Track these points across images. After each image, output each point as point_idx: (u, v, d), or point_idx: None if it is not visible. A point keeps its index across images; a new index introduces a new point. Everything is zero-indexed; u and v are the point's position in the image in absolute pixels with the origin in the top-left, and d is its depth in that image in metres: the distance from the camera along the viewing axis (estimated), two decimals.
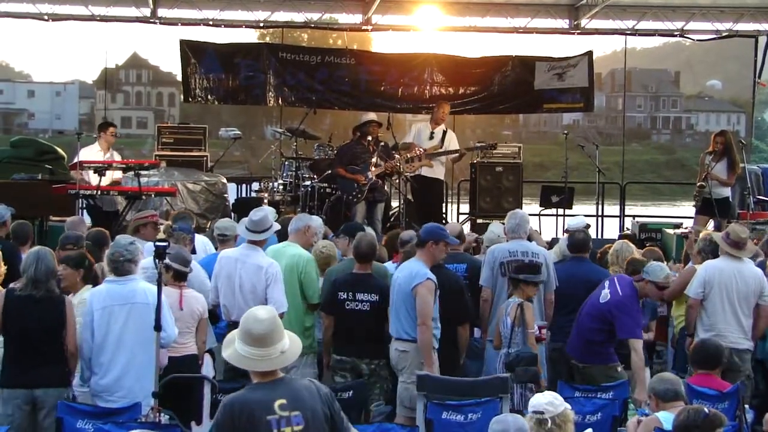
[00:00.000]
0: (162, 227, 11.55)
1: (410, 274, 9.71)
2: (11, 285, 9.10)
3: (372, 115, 16.87)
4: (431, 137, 17.30)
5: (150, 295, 8.27)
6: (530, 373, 9.60)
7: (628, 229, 18.46)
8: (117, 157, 16.54)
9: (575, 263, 11.19)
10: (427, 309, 9.53)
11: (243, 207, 16.21)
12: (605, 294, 10.24)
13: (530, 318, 9.79)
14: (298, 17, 21.41)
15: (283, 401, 5.89)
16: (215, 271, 10.10)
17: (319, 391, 6.08)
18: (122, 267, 8.60)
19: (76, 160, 15.24)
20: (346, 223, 12.83)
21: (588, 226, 13.02)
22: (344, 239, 11.34)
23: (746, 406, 9.20)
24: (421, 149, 16.82)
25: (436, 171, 17.31)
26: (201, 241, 11.73)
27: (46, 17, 20.49)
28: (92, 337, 8.55)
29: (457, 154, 17.58)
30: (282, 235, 11.14)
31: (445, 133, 17.42)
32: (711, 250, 11.31)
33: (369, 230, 11.53)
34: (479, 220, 18.33)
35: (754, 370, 11.12)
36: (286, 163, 17.73)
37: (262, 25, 21.83)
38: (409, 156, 16.57)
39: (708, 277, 10.81)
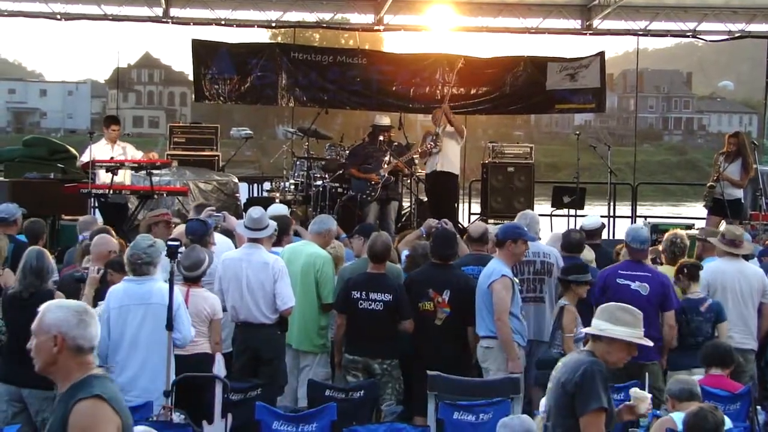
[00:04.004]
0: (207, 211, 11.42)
1: (487, 273, 9.91)
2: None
3: (386, 121, 16.77)
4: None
5: (167, 295, 8.27)
6: (547, 378, 9.61)
7: None
8: (130, 150, 16.43)
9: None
10: (503, 304, 9.69)
11: (256, 207, 16.20)
12: (642, 286, 10.34)
13: (568, 321, 9.82)
14: (310, 17, 21.43)
15: None
16: (219, 273, 10.06)
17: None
18: (140, 269, 8.59)
19: (86, 159, 15.21)
20: (362, 224, 12.82)
21: (603, 225, 13.03)
22: (359, 240, 11.32)
23: (758, 407, 9.19)
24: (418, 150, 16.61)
25: (451, 164, 16.75)
26: (225, 242, 11.57)
27: (58, 16, 20.55)
28: (108, 336, 8.57)
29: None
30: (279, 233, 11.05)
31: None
32: (674, 251, 11.34)
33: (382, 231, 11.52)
34: (490, 221, 18.30)
35: (763, 371, 11.10)
36: (298, 162, 17.75)
37: (274, 24, 21.85)
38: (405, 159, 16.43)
39: (711, 278, 10.78)
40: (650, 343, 6.51)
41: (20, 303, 8.71)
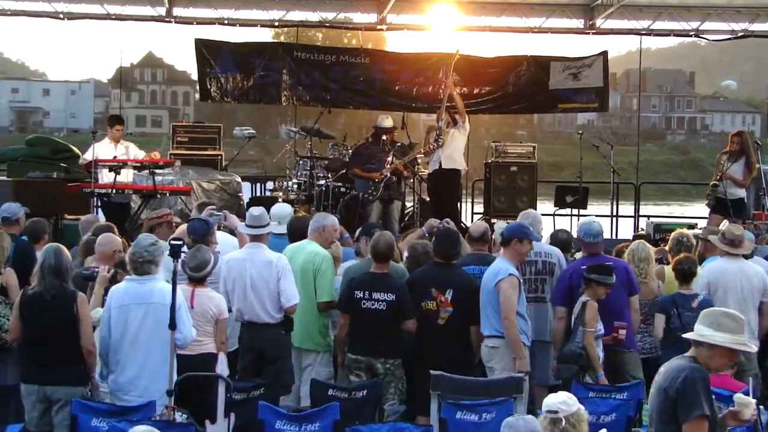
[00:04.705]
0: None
1: (494, 271, 9.90)
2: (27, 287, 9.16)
3: (388, 123, 16.69)
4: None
5: (168, 295, 8.26)
6: (570, 372, 9.68)
7: (642, 230, 18.42)
8: (132, 149, 16.40)
9: None
10: (510, 304, 9.69)
11: (257, 206, 16.20)
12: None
13: (590, 317, 9.85)
14: (313, 16, 21.43)
15: None
16: (223, 274, 10.06)
17: None
18: (141, 267, 8.59)
19: (89, 157, 15.23)
20: (366, 224, 12.79)
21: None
22: (364, 239, 11.30)
23: (761, 406, 9.18)
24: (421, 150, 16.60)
25: (453, 161, 16.55)
26: (229, 240, 11.55)
27: (61, 16, 20.56)
28: (109, 335, 8.57)
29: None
30: (292, 234, 11.15)
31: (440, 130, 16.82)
32: (681, 251, 11.38)
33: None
34: (493, 220, 18.26)
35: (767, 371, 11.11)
36: (301, 162, 17.76)
37: (276, 24, 21.88)
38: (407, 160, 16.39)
39: (712, 278, 10.84)
40: (754, 349, 6.50)
41: (42, 304, 8.69)
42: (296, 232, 11.10)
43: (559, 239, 11.67)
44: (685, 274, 10.64)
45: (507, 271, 9.80)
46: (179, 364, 8.37)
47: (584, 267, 10.57)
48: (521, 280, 9.99)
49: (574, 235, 12.70)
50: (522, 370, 9.62)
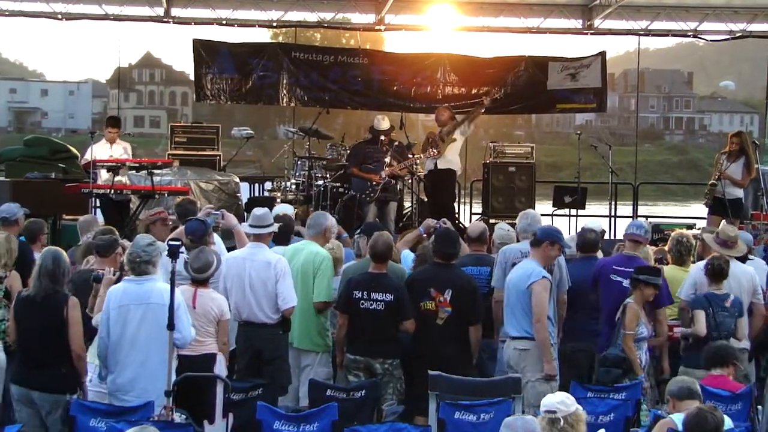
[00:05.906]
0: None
1: (525, 272, 9.89)
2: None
3: (385, 125, 16.64)
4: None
5: (167, 295, 8.26)
6: (612, 375, 9.67)
7: None
8: (129, 150, 16.35)
9: (585, 263, 11.16)
10: (543, 307, 9.72)
11: (255, 206, 16.19)
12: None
13: (629, 320, 9.85)
14: (311, 17, 21.45)
15: None
16: (223, 272, 10.06)
17: None
18: (139, 268, 8.58)
19: (87, 157, 15.23)
20: (366, 223, 12.77)
21: (604, 231, 13.05)
22: (364, 239, 11.29)
23: (759, 407, 9.19)
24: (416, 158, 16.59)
25: (449, 162, 16.62)
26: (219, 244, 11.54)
27: (59, 16, 20.56)
28: (108, 336, 8.56)
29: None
30: (284, 234, 11.05)
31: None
32: (681, 251, 11.40)
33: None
34: (492, 221, 18.25)
35: (765, 371, 11.11)
36: (299, 162, 17.77)
37: (275, 24, 21.87)
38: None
39: (699, 278, 10.80)
40: None
41: (33, 306, 8.70)
42: (280, 232, 10.91)
43: (587, 240, 11.57)
44: (716, 273, 10.54)
45: (540, 274, 9.82)
46: (182, 365, 8.38)
47: (617, 267, 10.60)
48: (553, 283, 9.99)
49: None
50: (550, 374, 9.63)
